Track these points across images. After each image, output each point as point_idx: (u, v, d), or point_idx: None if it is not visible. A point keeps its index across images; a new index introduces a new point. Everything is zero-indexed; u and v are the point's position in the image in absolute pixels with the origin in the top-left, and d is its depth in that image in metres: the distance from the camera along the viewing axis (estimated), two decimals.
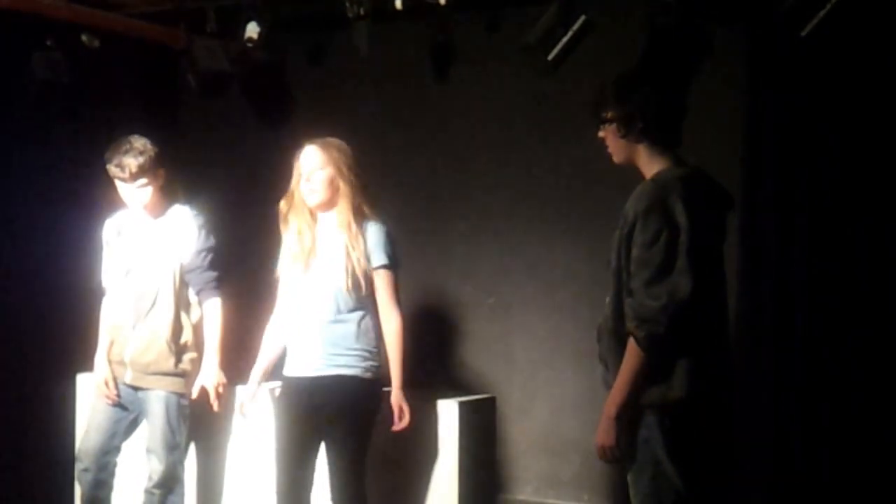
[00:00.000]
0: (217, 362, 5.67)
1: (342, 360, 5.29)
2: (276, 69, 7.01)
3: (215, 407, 5.66)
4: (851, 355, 6.08)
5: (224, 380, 5.67)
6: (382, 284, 5.33)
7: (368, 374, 5.30)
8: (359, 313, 5.32)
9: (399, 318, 5.35)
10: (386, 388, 5.39)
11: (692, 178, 4.29)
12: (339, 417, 5.26)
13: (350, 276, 5.25)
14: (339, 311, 5.29)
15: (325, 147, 5.36)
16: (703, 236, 4.20)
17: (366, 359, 5.30)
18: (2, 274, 7.18)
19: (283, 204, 5.41)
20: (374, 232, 5.32)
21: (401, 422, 5.38)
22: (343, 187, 5.32)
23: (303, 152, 5.37)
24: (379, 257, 5.30)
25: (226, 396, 5.69)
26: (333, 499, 5.31)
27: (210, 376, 5.66)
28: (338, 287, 5.28)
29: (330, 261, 5.31)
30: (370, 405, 5.35)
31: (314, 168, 5.32)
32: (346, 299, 5.28)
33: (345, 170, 5.32)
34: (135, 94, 7.66)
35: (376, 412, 5.37)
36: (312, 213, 5.38)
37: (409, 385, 5.79)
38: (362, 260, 5.27)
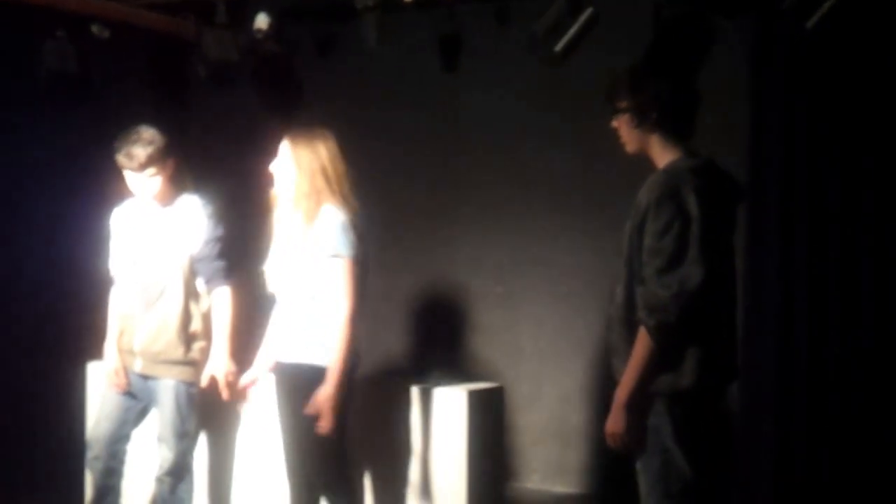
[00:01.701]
0: (226, 351, 5.68)
1: (303, 348, 5.32)
2: (285, 60, 7.02)
3: (224, 396, 5.69)
4: (855, 350, 6.09)
5: (233, 368, 5.68)
6: (335, 274, 5.31)
7: (326, 362, 5.29)
8: (315, 302, 5.32)
9: (349, 307, 5.29)
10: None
11: (704, 168, 4.32)
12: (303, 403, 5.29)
13: (303, 265, 5.28)
14: (294, 301, 5.34)
15: (293, 139, 5.39)
16: (715, 227, 4.22)
17: (325, 346, 5.29)
18: (12, 263, 7.21)
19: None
20: (329, 221, 5.28)
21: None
22: (302, 177, 5.33)
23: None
24: (328, 248, 5.28)
25: (235, 385, 5.72)
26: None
27: (219, 365, 5.67)
28: (294, 276, 5.32)
29: (289, 250, 5.35)
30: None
31: (280, 156, 5.38)
32: (300, 288, 5.32)
33: (305, 160, 5.33)
34: (144, 84, 7.66)
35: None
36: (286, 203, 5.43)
37: (418, 374, 5.85)
38: (315, 251, 5.28)
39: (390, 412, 5.92)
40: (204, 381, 5.68)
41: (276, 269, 5.39)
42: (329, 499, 5.37)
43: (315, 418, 5.18)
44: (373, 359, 7.56)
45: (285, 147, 5.37)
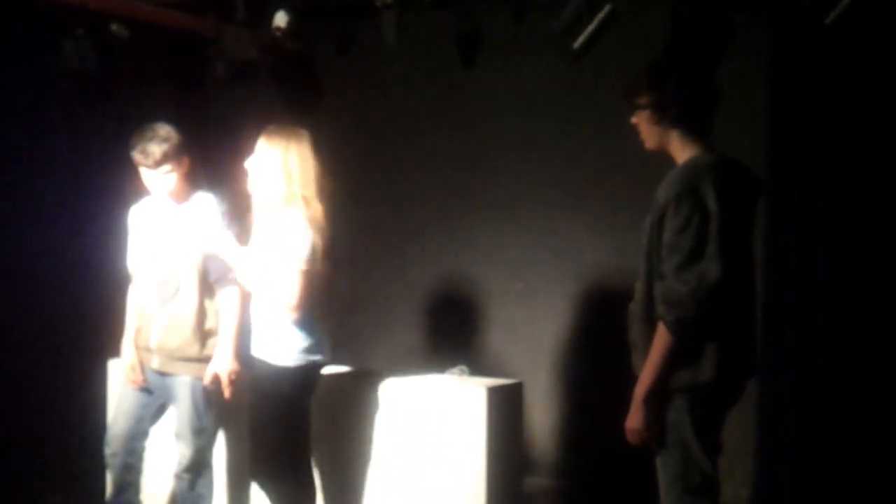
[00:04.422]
0: (231, 350, 5.67)
1: (264, 345, 5.39)
2: (304, 58, 7.04)
3: (227, 394, 5.69)
4: (873, 345, 6.09)
5: (237, 367, 5.66)
6: (283, 275, 5.31)
7: (282, 362, 5.35)
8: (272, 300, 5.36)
9: (291, 306, 5.33)
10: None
11: (723, 164, 4.32)
12: (259, 401, 5.42)
13: (267, 266, 5.31)
14: (261, 300, 5.40)
15: (264, 137, 5.41)
16: (734, 223, 4.22)
17: (284, 345, 5.35)
18: (32, 261, 7.23)
19: None
20: (283, 223, 5.30)
21: None
22: (266, 176, 5.35)
23: None
24: (283, 249, 5.29)
25: (239, 383, 5.72)
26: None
27: (223, 363, 5.66)
28: (261, 276, 5.36)
29: (257, 250, 5.39)
30: (286, 391, 5.40)
31: (252, 157, 5.41)
32: (264, 288, 5.35)
33: (271, 162, 5.34)
34: (164, 82, 7.70)
35: (294, 399, 5.43)
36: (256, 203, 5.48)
37: (436, 370, 5.86)
38: (273, 251, 5.30)
39: (409, 408, 5.92)
40: (207, 379, 5.67)
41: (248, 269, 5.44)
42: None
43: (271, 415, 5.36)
44: (391, 354, 7.61)
45: (258, 146, 5.40)
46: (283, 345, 5.35)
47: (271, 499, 5.51)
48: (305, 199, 5.32)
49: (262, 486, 5.53)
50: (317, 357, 5.43)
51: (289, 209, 5.30)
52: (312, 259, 5.29)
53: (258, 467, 5.50)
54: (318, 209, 5.34)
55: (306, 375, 5.43)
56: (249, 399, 5.51)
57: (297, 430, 5.45)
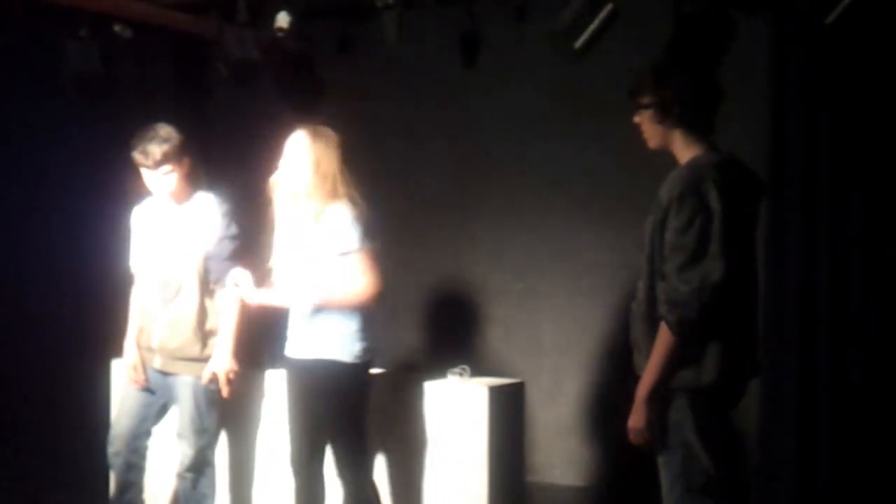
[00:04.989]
0: (229, 349, 5.67)
1: (322, 344, 5.36)
2: (305, 58, 7.04)
3: (224, 393, 5.69)
4: (876, 346, 6.09)
5: (235, 367, 5.66)
6: (349, 269, 5.35)
7: (348, 358, 5.35)
8: None
9: (365, 295, 5.37)
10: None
11: (726, 164, 4.31)
12: (322, 400, 5.37)
13: (319, 261, 5.31)
14: (306, 298, 5.37)
15: (296, 136, 5.42)
16: (737, 223, 4.22)
17: (347, 342, 5.35)
18: (36, 261, 7.25)
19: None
20: (337, 217, 5.32)
21: None
22: (307, 174, 5.36)
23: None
24: (339, 245, 5.32)
25: (238, 382, 5.73)
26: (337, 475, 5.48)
27: (221, 362, 5.67)
28: (305, 274, 5.35)
29: (302, 247, 5.37)
30: (351, 388, 5.40)
31: (285, 154, 5.41)
32: (312, 285, 5.34)
33: (310, 156, 5.36)
34: (166, 83, 7.71)
35: (360, 395, 5.44)
36: (292, 200, 5.45)
37: (438, 370, 5.86)
38: (327, 245, 5.31)
39: (411, 407, 5.94)
40: (205, 378, 5.68)
41: (284, 268, 5.42)
42: (348, 491, 5.42)
43: (346, 415, 5.30)
44: (393, 354, 7.61)
45: (295, 145, 5.40)
46: (346, 341, 5.34)
47: (350, 492, 5.46)
48: (351, 196, 5.37)
49: (347, 483, 5.47)
50: (375, 348, 5.46)
51: (337, 206, 5.33)
52: (372, 249, 5.35)
53: (345, 466, 5.45)
54: (363, 206, 5.39)
55: (367, 369, 5.46)
56: (306, 404, 5.46)
57: (363, 424, 5.44)
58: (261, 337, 5.92)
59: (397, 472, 5.95)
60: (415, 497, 5.92)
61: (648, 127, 4.44)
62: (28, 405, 7.18)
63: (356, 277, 5.32)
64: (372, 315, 5.43)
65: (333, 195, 5.35)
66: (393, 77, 7.61)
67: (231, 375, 5.66)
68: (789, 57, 6.27)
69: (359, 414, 5.42)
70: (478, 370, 6.35)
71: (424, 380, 6.10)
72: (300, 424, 5.49)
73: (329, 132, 5.44)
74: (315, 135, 5.41)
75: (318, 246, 5.33)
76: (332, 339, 5.34)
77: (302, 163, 5.37)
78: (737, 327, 4.29)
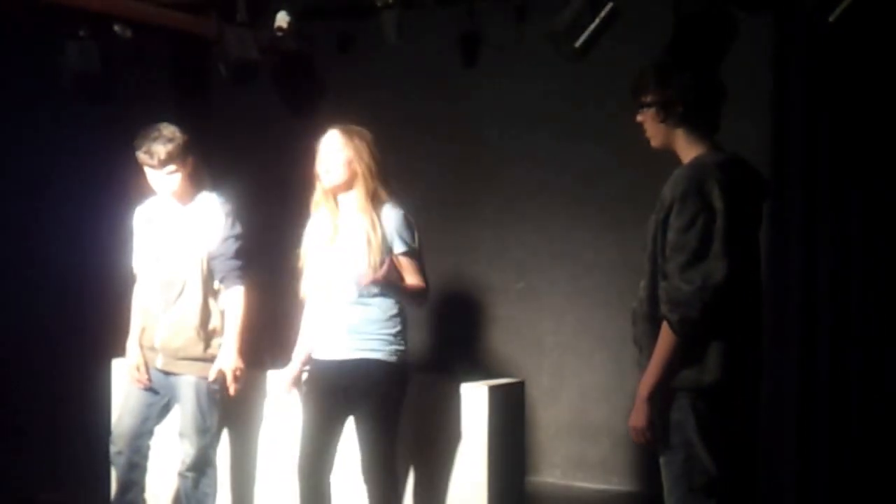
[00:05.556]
0: (236, 348, 5.68)
1: (366, 344, 5.34)
2: (305, 58, 7.05)
3: (231, 391, 5.70)
4: (878, 346, 6.10)
5: (241, 365, 5.68)
6: (406, 270, 5.37)
7: (393, 358, 5.35)
8: (381, 297, 5.35)
9: (426, 298, 5.43)
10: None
11: (729, 163, 4.31)
12: (364, 401, 5.33)
13: (370, 262, 5.29)
14: (360, 296, 5.33)
15: (344, 132, 5.39)
16: (740, 222, 4.21)
17: (390, 342, 5.35)
18: (38, 261, 7.26)
19: (317, 188, 5.47)
20: (393, 217, 5.33)
21: None
22: (360, 171, 5.35)
23: (324, 136, 5.43)
24: (399, 244, 5.33)
25: (243, 381, 5.73)
26: (364, 479, 5.39)
27: (228, 361, 5.68)
28: (360, 269, 5.33)
29: (350, 246, 5.35)
30: (394, 388, 5.39)
31: (331, 150, 5.37)
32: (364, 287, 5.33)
33: (364, 154, 5.35)
34: (166, 83, 7.71)
35: (401, 395, 5.43)
36: (335, 198, 5.44)
37: (438, 369, 5.86)
38: (383, 245, 5.31)
39: (412, 407, 5.93)
40: (212, 376, 5.68)
41: (326, 270, 5.42)
42: (374, 493, 5.42)
43: (390, 416, 5.34)
44: None
45: (337, 146, 5.38)
46: (391, 342, 5.34)
47: (380, 494, 5.43)
48: (390, 192, 5.39)
49: (378, 484, 5.42)
50: (409, 350, 5.48)
51: (389, 205, 5.35)
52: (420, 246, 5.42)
53: (383, 472, 5.43)
54: (401, 204, 5.40)
55: (407, 371, 5.46)
56: (332, 403, 5.43)
57: (398, 426, 5.44)
58: (262, 337, 5.92)
59: (397, 471, 5.95)
60: (415, 497, 5.91)
61: (651, 126, 4.43)
62: (28, 405, 7.19)
63: (412, 277, 5.36)
64: (407, 317, 5.44)
65: (381, 193, 5.36)
66: (393, 77, 7.61)
67: (238, 373, 5.67)
68: (790, 56, 6.27)
69: (397, 416, 5.40)
70: (478, 370, 6.35)
71: (424, 379, 6.09)
72: (316, 428, 5.44)
73: (364, 130, 5.43)
74: (353, 134, 5.39)
75: (370, 244, 5.30)
76: (378, 341, 5.33)
77: (348, 164, 5.36)
78: (739, 327, 4.29)
